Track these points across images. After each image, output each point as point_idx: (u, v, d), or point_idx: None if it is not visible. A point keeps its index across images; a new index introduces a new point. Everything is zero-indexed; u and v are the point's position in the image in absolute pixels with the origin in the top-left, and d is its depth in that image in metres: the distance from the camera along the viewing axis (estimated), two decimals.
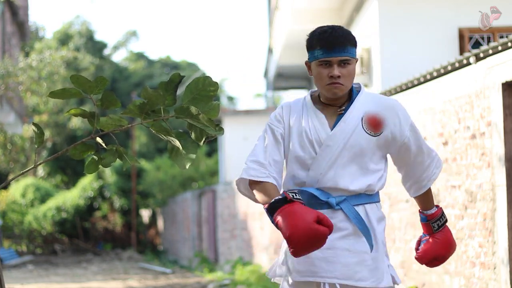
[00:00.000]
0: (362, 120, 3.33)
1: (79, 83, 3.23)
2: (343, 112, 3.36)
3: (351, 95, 3.40)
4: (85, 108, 3.24)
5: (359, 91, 3.41)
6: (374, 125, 3.33)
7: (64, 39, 38.28)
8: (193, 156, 3.28)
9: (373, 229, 3.33)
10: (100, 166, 3.41)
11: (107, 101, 3.28)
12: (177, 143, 3.26)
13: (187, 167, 3.28)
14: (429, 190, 3.51)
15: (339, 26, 3.41)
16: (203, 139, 3.28)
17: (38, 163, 3.37)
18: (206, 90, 3.28)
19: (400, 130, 3.36)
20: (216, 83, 3.29)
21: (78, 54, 21.67)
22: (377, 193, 3.39)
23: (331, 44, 3.34)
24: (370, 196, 3.35)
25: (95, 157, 3.39)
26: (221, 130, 3.30)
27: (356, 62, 3.37)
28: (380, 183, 3.38)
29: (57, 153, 3.40)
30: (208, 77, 3.29)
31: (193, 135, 3.29)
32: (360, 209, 3.33)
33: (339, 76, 3.31)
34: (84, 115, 3.32)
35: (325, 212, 3.29)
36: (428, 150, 3.46)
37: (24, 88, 19.02)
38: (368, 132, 3.33)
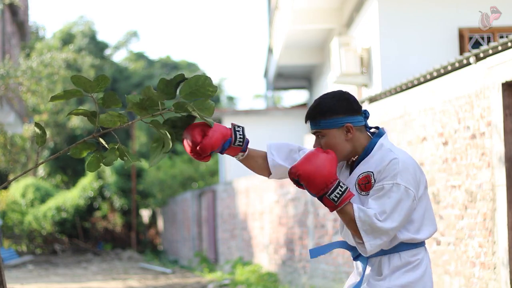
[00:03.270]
0: (357, 179, 3.40)
1: (80, 83, 3.24)
2: (354, 165, 3.46)
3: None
4: (85, 108, 3.24)
5: (377, 145, 3.42)
6: (363, 187, 3.37)
7: (67, 39, 38.28)
8: (166, 152, 3.34)
9: (381, 279, 3.38)
10: (101, 164, 3.42)
11: (109, 100, 3.30)
12: (168, 140, 3.29)
13: (155, 164, 3.33)
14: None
15: (327, 94, 3.42)
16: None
17: (39, 163, 3.37)
18: (204, 89, 3.31)
19: (385, 180, 3.33)
20: (216, 86, 3.32)
21: (79, 56, 21.66)
22: (402, 243, 3.38)
23: (305, 118, 3.45)
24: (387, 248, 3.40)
25: (96, 155, 3.41)
26: (211, 122, 3.33)
27: (343, 129, 3.35)
28: (393, 239, 3.38)
29: (58, 153, 3.41)
30: (209, 78, 3.31)
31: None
32: (374, 261, 3.41)
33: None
34: (86, 114, 3.33)
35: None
36: (377, 216, 3.29)
37: (24, 89, 19.02)
38: (358, 191, 3.40)
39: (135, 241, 28.92)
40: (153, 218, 32.04)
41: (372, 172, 3.35)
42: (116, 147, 3.40)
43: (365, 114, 3.43)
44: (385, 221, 3.26)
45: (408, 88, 8.34)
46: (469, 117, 6.84)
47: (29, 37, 29.93)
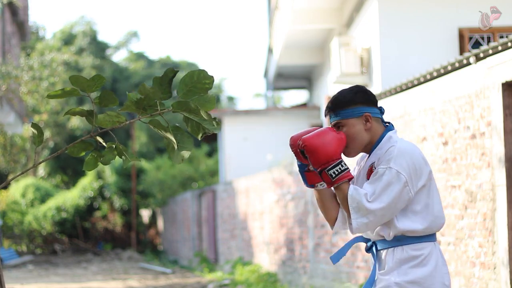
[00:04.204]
0: (368, 170, 3.51)
1: (77, 83, 3.24)
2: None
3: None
4: (85, 108, 3.23)
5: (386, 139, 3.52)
6: (368, 177, 3.48)
7: (67, 39, 38.27)
8: (189, 151, 3.31)
9: (385, 272, 3.44)
10: (99, 163, 3.42)
11: (105, 100, 3.29)
12: (172, 139, 3.28)
13: (182, 161, 3.31)
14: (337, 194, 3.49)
15: (344, 89, 3.56)
16: (200, 134, 3.31)
17: (38, 162, 3.37)
18: (201, 83, 3.30)
19: (381, 165, 3.43)
20: (212, 76, 3.29)
21: (79, 57, 21.67)
22: (401, 236, 3.43)
23: (325, 111, 3.58)
24: (390, 241, 3.45)
25: (94, 154, 3.40)
26: (218, 125, 3.33)
27: (361, 118, 3.47)
28: (392, 227, 3.43)
29: (56, 152, 3.40)
30: (203, 70, 3.30)
31: (189, 129, 3.31)
32: (380, 254, 3.50)
33: None
34: (82, 113, 3.33)
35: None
36: (367, 197, 3.38)
37: (25, 89, 19.02)
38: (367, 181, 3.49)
39: (135, 241, 28.91)
40: (153, 218, 32.04)
41: (375, 162, 3.46)
42: (114, 146, 3.40)
43: (381, 110, 3.56)
44: (373, 202, 3.35)
45: (408, 88, 8.34)
46: (469, 117, 6.84)
47: (29, 37, 29.93)
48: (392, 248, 3.45)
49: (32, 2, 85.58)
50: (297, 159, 3.52)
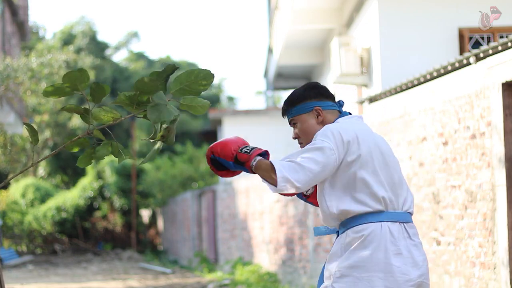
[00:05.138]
0: None
1: (70, 80, 3.22)
2: None
3: None
4: (85, 107, 3.22)
5: None
6: None
7: (67, 39, 38.27)
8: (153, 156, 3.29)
9: (328, 259, 3.49)
10: (92, 160, 3.42)
11: (97, 92, 3.27)
12: (160, 133, 3.29)
13: (144, 163, 3.35)
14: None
15: (299, 87, 3.65)
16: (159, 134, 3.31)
17: (37, 161, 3.37)
18: (197, 83, 3.27)
19: None
20: (212, 75, 3.25)
21: (78, 57, 21.65)
22: (346, 221, 3.44)
23: (281, 113, 3.69)
24: (340, 228, 3.50)
25: (88, 151, 3.41)
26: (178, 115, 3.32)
27: (313, 113, 3.54)
28: (328, 213, 3.49)
29: (54, 151, 3.41)
30: (204, 70, 3.26)
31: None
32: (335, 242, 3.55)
33: (295, 138, 3.60)
34: (78, 110, 3.32)
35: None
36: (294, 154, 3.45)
37: (24, 89, 19.01)
38: None
39: (135, 241, 28.90)
40: (153, 218, 32.03)
41: None
42: (110, 143, 3.40)
43: (339, 103, 3.59)
44: (293, 157, 3.40)
45: (408, 88, 8.34)
46: (469, 117, 6.84)
47: (29, 37, 29.93)
48: (340, 235, 3.44)
49: (32, 2, 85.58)
50: (213, 171, 3.57)
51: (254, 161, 3.42)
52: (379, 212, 3.37)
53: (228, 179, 19.56)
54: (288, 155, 3.44)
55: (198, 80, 3.27)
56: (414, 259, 3.37)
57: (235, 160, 3.45)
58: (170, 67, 3.26)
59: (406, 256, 3.35)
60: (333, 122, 3.53)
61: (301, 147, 3.57)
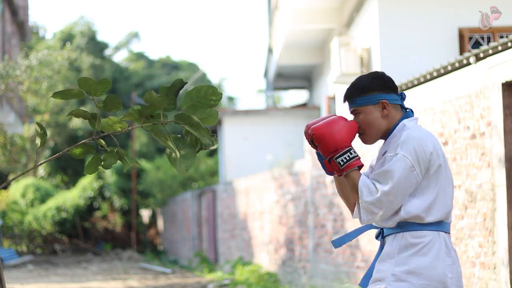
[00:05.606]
0: (380, 158, 3.47)
1: (86, 85, 3.24)
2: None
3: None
4: (86, 109, 3.24)
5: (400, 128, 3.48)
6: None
7: (67, 39, 38.29)
8: (191, 161, 3.32)
9: (382, 258, 3.41)
10: (99, 167, 3.43)
11: (110, 104, 3.29)
12: (174, 148, 3.29)
13: (187, 171, 3.31)
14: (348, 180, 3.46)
15: (363, 75, 3.54)
16: (197, 148, 3.31)
17: (39, 163, 3.37)
18: (207, 99, 3.29)
19: (389, 153, 3.41)
20: (220, 93, 3.28)
21: (78, 54, 21.64)
22: (404, 222, 3.38)
23: (343, 98, 3.56)
24: (394, 227, 3.42)
25: (95, 157, 3.41)
26: (216, 142, 3.34)
27: (378, 105, 3.45)
28: (395, 213, 3.40)
29: (58, 154, 3.41)
30: (212, 87, 3.29)
31: (187, 141, 3.32)
32: (385, 240, 3.46)
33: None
34: (86, 116, 3.33)
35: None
36: (374, 189, 3.35)
37: (24, 88, 19.01)
38: None
39: (135, 241, 28.91)
40: (153, 218, 32.04)
41: (386, 151, 3.43)
42: (116, 150, 3.40)
43: (402, 96, 3.53)
44: (379, 189, 3.31)
45: (408, 88, 8.34)
46: (469, 117, 6.84)
47: (29, 37, 29.92)
48: (393, 235, 3.38)
49: (32, 2, 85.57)
50: (312, 147, 3.51)
51: (344, 173, 3.39)
52: (440, 220, 3.39)
53: (228, 179, 19.56)
54: (376, 173, 3.35)
55: (208, 96, 3.29)
56: (460, 271, 3.43)
57: (328, 160, 3.43)
58: (178, 82, 3.26)
59: (456, 268, 3.38)
60: (399, 121, 3.46)
61: (360, 137, 3.50)
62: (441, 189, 3.37)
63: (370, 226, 3.58)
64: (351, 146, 3.40)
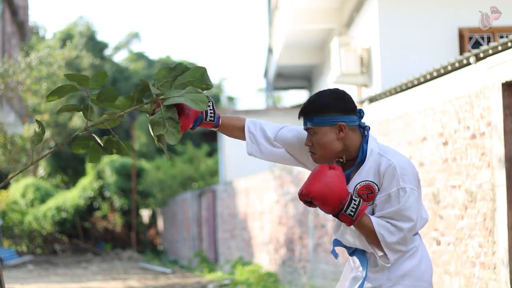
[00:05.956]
0: (355, 189, 3.39)
1: (74, 78, 3.23)
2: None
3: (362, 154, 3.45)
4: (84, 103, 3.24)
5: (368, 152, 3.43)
6: (365, 197, 3.39)
7: (66, 39, 38.30)
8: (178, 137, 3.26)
9: (379, 270, 3.46)
10: (101, 155, 3.43)
11: (105, 96, 3.27)
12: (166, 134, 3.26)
13: (178, 140, 3.26)
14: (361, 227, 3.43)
15: (323, 92, 3.44)
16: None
17: (35, 160, 3.37)
18: (201, 82, 3.26)
19: (389, 188, 3.37)
20: (211, 83, 3.27)
21: (77, 53, 21.63)
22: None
23: (299, 113, 3.46)
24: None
25: (94, 146, 3.40)
26: (211, 85, 3.30)
27: (335, 127, 3.36)
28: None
29: (52, 149, 3.40)
30: (208, 76, 3.28)
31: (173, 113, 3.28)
32: (370, 254, 3.48)
33: (309, 145, 3.42)
34: (78, 108, 3.32)
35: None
36: (394, 229, 3.33)
37: (24, 88, 19.00)
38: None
39: (135, 241, 28.90)
40: (153, 218, 32.03)
41: (373, 182, 3.37)
42: (110, 138, 3.40)
43: (360, 114, 3.43)
44: (400, 228, 3.32)
45: (408, 88, 8.34)
46: (469, 117, 6.84)
47: (29, 37, 29.93)
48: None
49: (32, 2, 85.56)
50: (308, 206, 3.48)
51: (356, 222, 3.35)
52: None
53: (228, 179, 19.57)
54: (390, 212, 3.32)
55: (203, 79, 3.26)
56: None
57: (336, 216, 3.36)
58: (182, 67, 3.24)
59: (431, 267, 3.53)
60: (362, 145, 3.39)
61: (313, 157, 3.43)
62: (420, 198, 3.45)
63: (340, 244, 3.60)
64: (350, 192, 3.35)
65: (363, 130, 3.43)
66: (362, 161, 3.39)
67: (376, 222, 3.32)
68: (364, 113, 3.47)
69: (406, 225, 3.31)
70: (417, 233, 3.46)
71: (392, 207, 3.32)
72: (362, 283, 3.44)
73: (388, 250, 3.34)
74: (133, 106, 3.30)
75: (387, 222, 3.32)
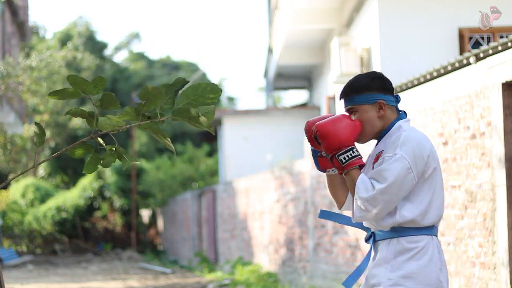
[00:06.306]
0: (374, 157, 3.48)
1: (76, 84, 3.21)
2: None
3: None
4: (86, 108, 3.22)
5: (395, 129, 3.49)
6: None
7: (65, 39, 38.29)
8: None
9: (377, 263, 3.43)
10: (99, 166, 3.41)
11: (107, 102, 3.26)
12: (171, 145, 3.27)
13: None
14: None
15: (362, 74, 3.55)
16: None
17: (38, 163, 3.36)
18: (204, 97, 3.22)
19: (387, 153, 3.42)
20: (219, 90, 3.21)
21: (77, 53, 21.63)
22: (399, 228, 3.40)
23: (340, 95, 3.57)
24: (388, 232, 3.44)
25: (94, 156, 3.39)
26: (214, 133, 3.33)
27: (375, 105, 3.46)
28: (390, 217, 3.41)
29: (56, 153, 3.40)
30: (211, 84, 3.22)
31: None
32: (377, 244, 3.48)
33: None
34: (83, 115, 3.31)
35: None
36: (371, 187, 3.36)
37: (24, 88, 19.01)
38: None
39: (135, 241, 28.91)
40: (153, 218, 32.03)
41: (383, 151, 3.44)
42: (114, 149, 3.39)
43: (397, 98, 3.54)
44: (375, 187, 3.34)
45: (408, 88, 8.34)
46: (469, 117, 6.84)
47: (29, 37, 29.93)
48: (388, 240, 3.41)
49: (32, 2, 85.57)
50: (310, 144, 3.54)
51: (345, 171, 3.42)
52: (433, 225, 3.43)
53: (228, 179, 19.56)
54: (374, 172, 3.37)
55: (205, 94, 3.22)
56: (447, 275, 3.50)
57: (330, 157, 3.45)
58: (180, 81, 3.21)
59: (445, 272, 3.46)
60: (394, 122, 3.48)
61: None
62: (435, 193, 3.41)
63: (359, 225, 3.59)
64: (353, 145, 3.42)
65: (401, 113, 3.53)
66: (386, 133, 3.48)
67: (361, 176, 3.38)
68: (401, 98, 3.57)
69: (379, 185, 3.32)
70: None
71: (379, 167, 3.38)
72: (356, 274, 3.48)
73: (356, 205, 3.37)
74: (139, 120, 3.29)
75: (369, 180, 3.37)
